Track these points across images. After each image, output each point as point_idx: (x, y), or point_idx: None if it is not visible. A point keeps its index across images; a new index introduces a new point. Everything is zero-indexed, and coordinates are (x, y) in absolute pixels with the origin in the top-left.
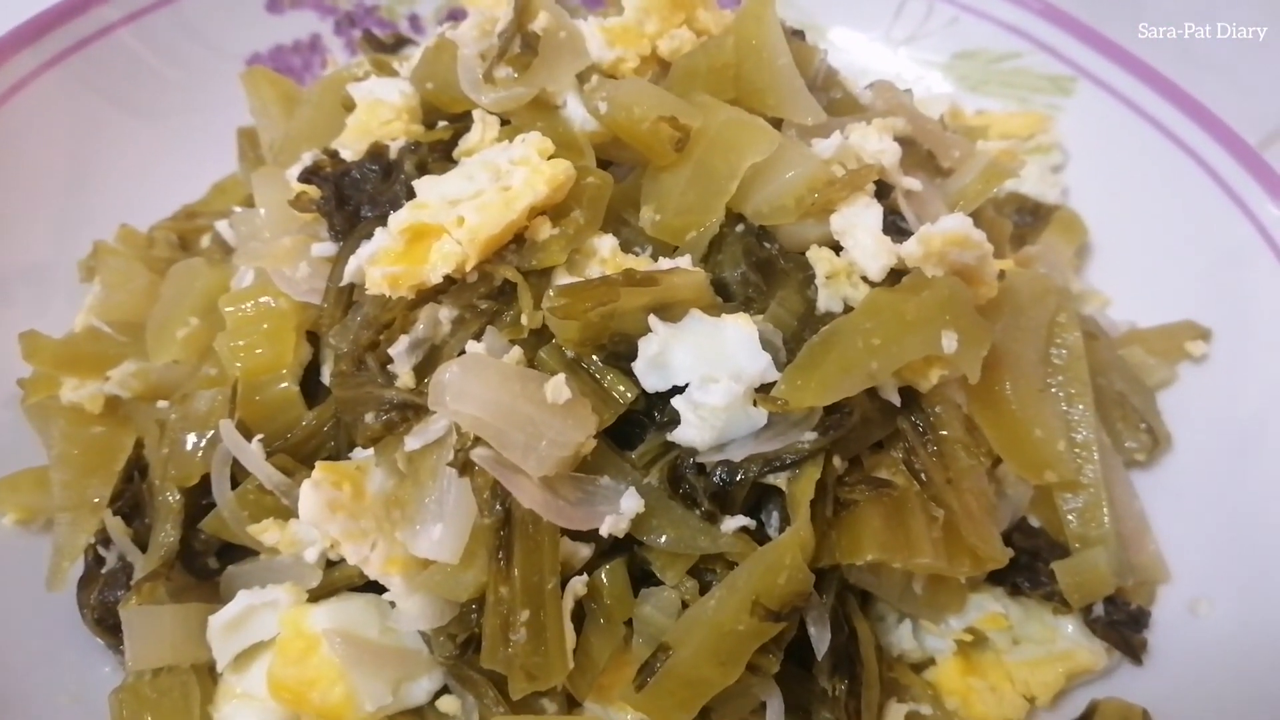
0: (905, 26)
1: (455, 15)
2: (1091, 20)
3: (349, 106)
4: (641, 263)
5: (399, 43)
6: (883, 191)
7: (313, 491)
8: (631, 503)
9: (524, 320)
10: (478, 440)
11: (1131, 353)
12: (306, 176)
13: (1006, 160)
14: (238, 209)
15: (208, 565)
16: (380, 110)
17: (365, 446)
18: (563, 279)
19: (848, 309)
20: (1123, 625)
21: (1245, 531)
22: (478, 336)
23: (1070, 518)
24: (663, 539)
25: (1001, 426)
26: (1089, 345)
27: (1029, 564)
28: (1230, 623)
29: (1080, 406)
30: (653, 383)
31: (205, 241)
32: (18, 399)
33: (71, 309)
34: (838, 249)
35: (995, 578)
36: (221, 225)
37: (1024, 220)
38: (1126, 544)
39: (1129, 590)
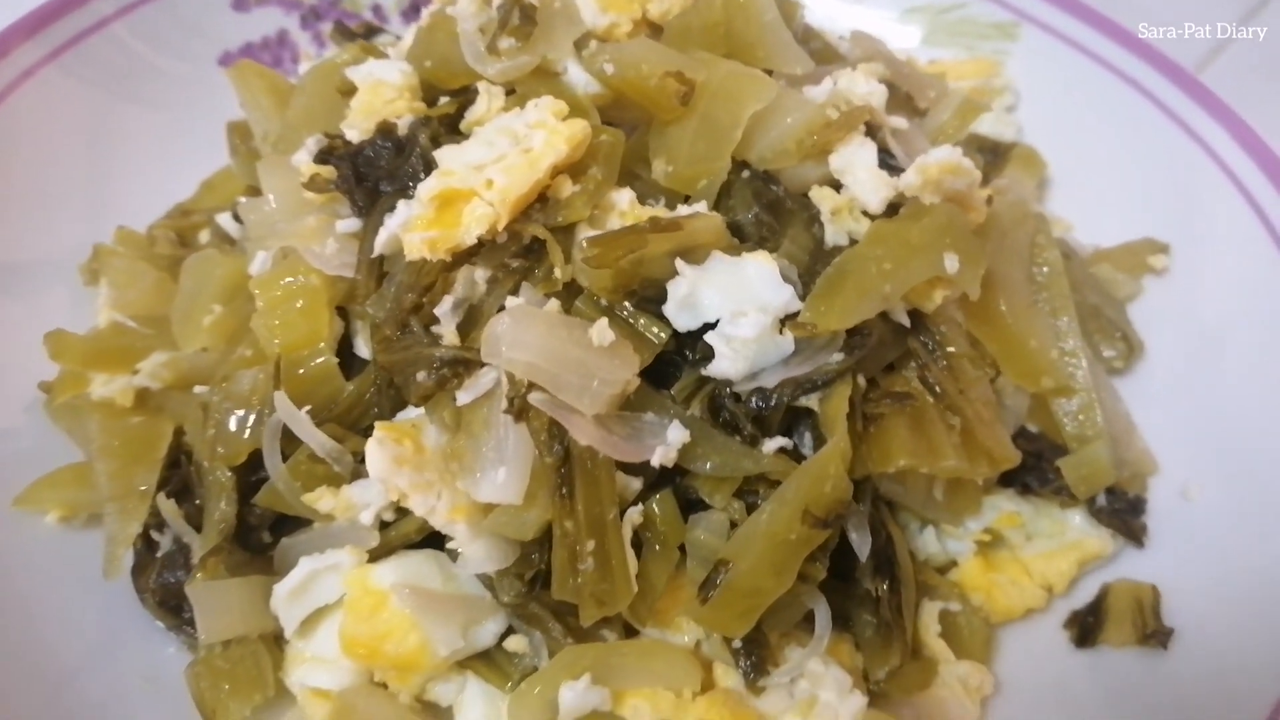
0: None
1: (418, 4)
2: None
3: (344, 91)
4: (658, 213)
5: (370, 31)
6: (870, 132)
7: (378, 448)
8: (678, 434)
9: (557, 274)
10: (531, 386)
11: (1100, 270)
12: (323, 157)
13: (978, 97)
14: (243, 199)
15: (262, 539)
16: (383, 90)
17: (418, 404)
18: (585, 233)
19: (853, 242)
20: (1124, 513)
21: (1220, 422)
22: (513, 293)
23: (1066, 420)
24: (708, 465)
25: (1000, 340)
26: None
27: (1035, 465)
28: (1218, 501)
29: (1065, 319)
30: (684, 322)
31: (204, 237)
32: (28, 405)
33: (73, 311)
34: (838, 187)
35: (1005, 480)
36: (223, 218)
37: (986, 159)
38: (1117, 442)
39: (1124, 482)
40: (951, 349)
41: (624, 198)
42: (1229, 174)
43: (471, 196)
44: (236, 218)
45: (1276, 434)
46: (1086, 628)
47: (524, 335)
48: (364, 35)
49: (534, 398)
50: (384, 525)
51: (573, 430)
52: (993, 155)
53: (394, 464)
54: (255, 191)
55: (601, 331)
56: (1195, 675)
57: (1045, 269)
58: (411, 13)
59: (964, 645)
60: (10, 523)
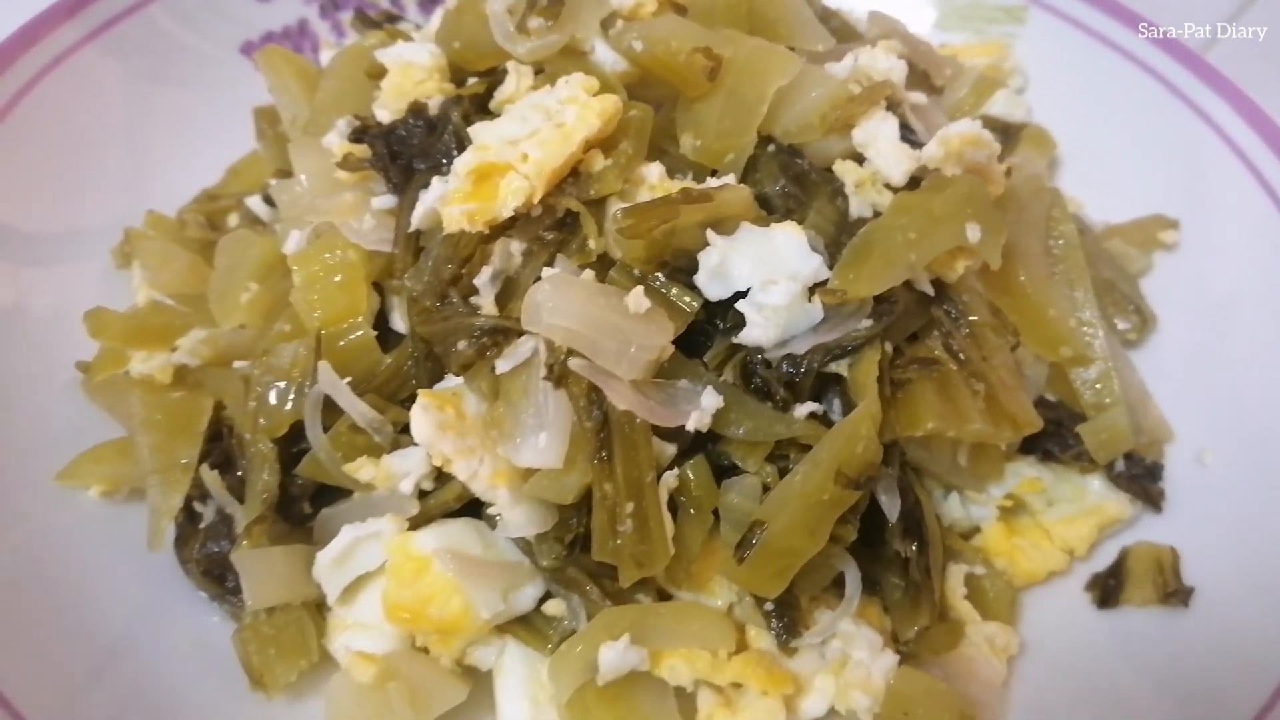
0: None
1: None
2: None
3: (372, 74)
4: (688, 186)
5: (390, 19)
6: (890, 107)
7: (423, 414)
8: (712, 399)
9: (591, 245)
10: (570, 352)
11: (1112, 245)
12: (357, 136)
13: (992, 74)
14: (273, 181)
15: (303, 510)
16: (412, 71)
17: (458, 374)
18: (617, 206)
19: (876, 214)
20: (1142, 478)
21: (1232, 391)
22: (548, 265)
23: (1084, 389)
24: (741, 430)
25: (1020, 310)
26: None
27: (1055, 431)
28: (1232, 468)
29: (1081, 290)
30: (715, 291)
31: (233, 220)
32: (65, 384)
33: (107, 294)
34: (860, 160)
35: (1027, 447)
36: (252, 201)
37: (998, 139)
38: (1133, 410)
39: (1141, 448)
40: (974, 317)
41: (653, 172)
42: (1235, 150)
43: (507, 170)
44: (267, 200)
45: None
46: (1108, 589)
47: (564, 302)
48: (387, 23)
49: (573, 363)
50: (423, 494)
51: (611, 395)
52: (1003, 136)
53: (438, 430)
54: (284, 174)
55: (638, 299)
56: (1212, 635)
57: (1061, 241)
58: (429, 2)
59: (989, 607)
60: (52, 498)
